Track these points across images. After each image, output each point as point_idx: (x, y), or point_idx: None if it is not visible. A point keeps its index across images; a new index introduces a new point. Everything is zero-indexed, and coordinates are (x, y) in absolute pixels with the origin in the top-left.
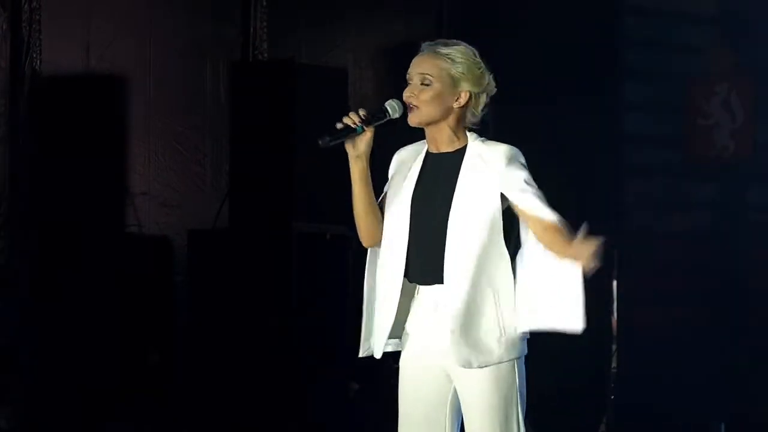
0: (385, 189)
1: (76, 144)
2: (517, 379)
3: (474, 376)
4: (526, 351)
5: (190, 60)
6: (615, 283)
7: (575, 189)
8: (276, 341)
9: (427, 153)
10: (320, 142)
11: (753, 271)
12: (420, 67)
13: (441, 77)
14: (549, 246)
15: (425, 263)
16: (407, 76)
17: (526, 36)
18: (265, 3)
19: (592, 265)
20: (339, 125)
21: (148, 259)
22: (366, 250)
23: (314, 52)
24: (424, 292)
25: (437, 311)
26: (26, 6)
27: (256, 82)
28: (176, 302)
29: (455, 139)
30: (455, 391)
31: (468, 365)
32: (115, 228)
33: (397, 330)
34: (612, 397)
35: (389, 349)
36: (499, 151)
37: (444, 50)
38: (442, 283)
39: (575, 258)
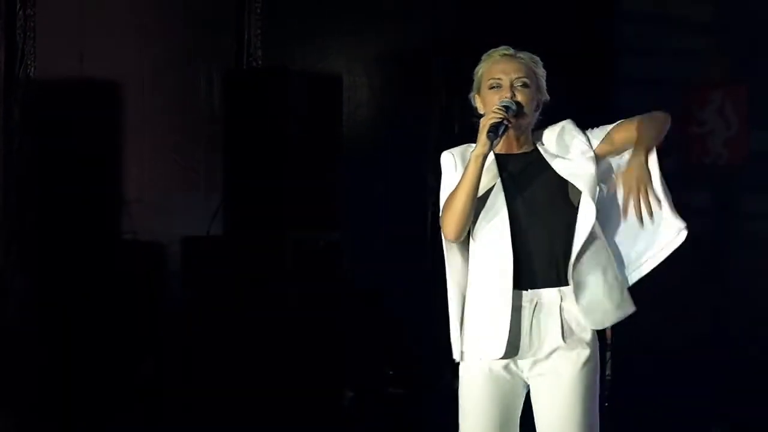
0: (443, 188)
1: (71, 151)
2: None
3: (574, 358)
4: None
5: (184, 67)
6: None
7: None
8: (270, 348)
9: (498, 155)
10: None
11: (748, 278)
12: (516, 72)
13: (534, 80)
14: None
15: (541, 266)
16: (491, 82)
17: (521, 44)
18: (259, 10)
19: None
20: (493, 121)
21: (142, 266)
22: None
23: (308, 59)
24: (531, 295)
25: (555, 311)
26: (21, 13)
27: (250, 90)
28: (171, 309)
29: (529, 140)
30: (526, 395)
31: (611, 321)
32: (110, 235)
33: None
34: (606, 404)
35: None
36: (568, 127)
37: (525, 55)
38: (562, 285)
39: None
